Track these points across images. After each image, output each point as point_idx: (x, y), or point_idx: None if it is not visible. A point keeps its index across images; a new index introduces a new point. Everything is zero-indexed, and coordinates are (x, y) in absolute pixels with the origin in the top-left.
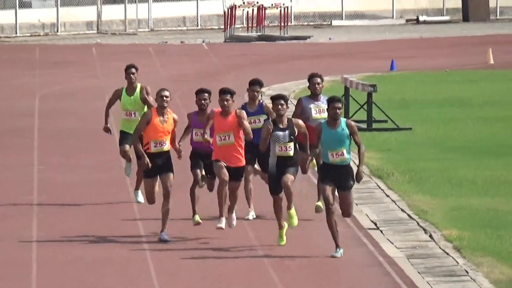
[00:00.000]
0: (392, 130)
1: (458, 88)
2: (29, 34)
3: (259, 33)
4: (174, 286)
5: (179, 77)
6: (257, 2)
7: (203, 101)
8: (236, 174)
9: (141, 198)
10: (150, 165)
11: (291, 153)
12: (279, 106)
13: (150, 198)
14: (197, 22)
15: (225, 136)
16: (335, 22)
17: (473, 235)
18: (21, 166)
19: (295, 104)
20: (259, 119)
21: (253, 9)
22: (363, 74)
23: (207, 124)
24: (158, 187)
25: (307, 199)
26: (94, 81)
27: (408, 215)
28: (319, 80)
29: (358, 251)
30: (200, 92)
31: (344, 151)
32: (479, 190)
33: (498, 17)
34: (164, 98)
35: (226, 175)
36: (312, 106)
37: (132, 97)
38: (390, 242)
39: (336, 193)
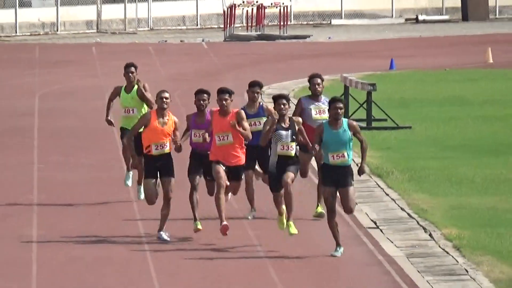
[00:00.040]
0: (392, 129)
1: (458, 87)
2: (29, 33)
3: (258, 32)
4: (174, 286)
5: (179, 76)
6: (257, 1)
7: (202, 102)
8: (236, 173)
9: (130, 181)
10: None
11: (292, 152)
12: (282, 106)
13: (150, 199)
14: (197, 21)
15: (223, 136)
16: (334, 21)
17: (473, 234)
18: (21, 165)
19: (295, 103)
20: (260, 122)
21: (252, 8)
22: (362, 73)
23: (211, 125)
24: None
25: (307, 199)
26: (94, 80)
27: (408, 214)
28: (319, 80)
29: (358, 250)
30: (199, 93)
31: (345, 153)
32: (479, 188)
33: (497, 16)
34: (164, 99)
35: (224, 179)
36: (312, 106)
37: (130, 94)
38: (390, 241)
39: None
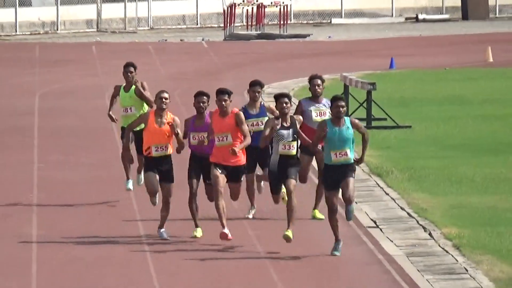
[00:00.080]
0: (392, 128)
1: (458, 86)
2: (29, 33)
3: (258, 32)
4: (174, 286)
5: (179, 75)
6: (257, 0)
7: (201, 104)
8: (236, 174)
9: (131, 185)
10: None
11: (294, 152)
12: (284, 105)
13: (151, 190)
14: (197, 21)
15: (223, 137)
16: (334, 20)
17: (472, 233)
18: (21, 164)
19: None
20: (262, 122)
21: (252, 8)
22: (362, 72)
23: (211, 128)
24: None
25: (307, 199)
26: (94, 79)
27: (408, 213)
28: (319, 81)
29: (357, 249)
30: (199, 95)
31: (348, 151)
32: (479, 188)
33: (497, 15)
34: (163, 100)
35: (221, 185)
36: (312, 108)
37: (128, 93)
38: (390, 240)
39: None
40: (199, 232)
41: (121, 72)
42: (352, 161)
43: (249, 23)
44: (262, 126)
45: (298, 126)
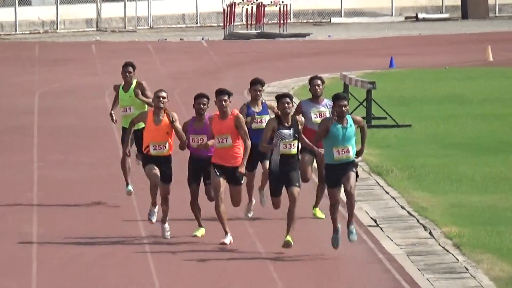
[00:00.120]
0: (392, 127)
1: (457, 85)
2: (28, 32)
3: (258, 31)
4: (174, 286)
5: (179, 74)
6: (256, 0)
7: (201, 106)
8: (235, 175)
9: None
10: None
11: (294, 151)
12: (285, 104)
13: (153, 182)
14: (197, 20)
15: (222, 139)
16: (334, 20)
17: (473, 232)
18: (21, 163)
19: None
20: (264, 119)
21: (252, 7)
22: (362, 71)
23: (211, 133)
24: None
25: (307, 198)
26: (93, 78)
27: (408, 212)
28: (319, 82)
29: (358, 248)
30: (199, 97)
31: (350, 148)
32: (479, 186)
33: (497, 14)
34: (161, 99)
35: (222, 191)
36: (312, 110)
37: (127, 93)
38: (390, 239)
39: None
40: (200, 232)
41: (120, 71)
42: (353, 159)
43: (249, 22)
44: (263, 125)
45: (300, 127)
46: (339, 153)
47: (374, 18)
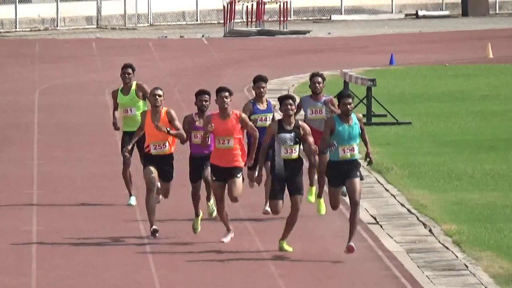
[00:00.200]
0: (392, 125)
1: (457, 82)
2: (29, 29)
3: (258, 28)
4: (174, 285)
5: (179, 72)
6: None
7: (204, 102)
8: (233, 172)
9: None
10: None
11: (296, 155)
12: (288, 106)
13: (149, 183)
14: (197, 17)
15: (224, 140)
16: (334, 17)
17: (472, 229)
18: (21, 160)
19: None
20: (269, 117)
21: (252, 4)
22: (362, 68)
23: (206, 132)
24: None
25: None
26: (94, 75)
27: (408, 209)
28: (320, 79)
29: (358, 246)
30: (200, 94)
31: (355, 146)
32: (478, 184)
33: (497, 11)
34: (157, 97)
35: (222, 196)
36: (309, 106)
37: (127, 96)
38: (390, 236)
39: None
40: (198, 224)
41: (120, 68)
42: (358, 156)
43: (249, 20)
44: (268, 123)
45: (304, 134)
46: (344, 152)
47: (374, 15)
